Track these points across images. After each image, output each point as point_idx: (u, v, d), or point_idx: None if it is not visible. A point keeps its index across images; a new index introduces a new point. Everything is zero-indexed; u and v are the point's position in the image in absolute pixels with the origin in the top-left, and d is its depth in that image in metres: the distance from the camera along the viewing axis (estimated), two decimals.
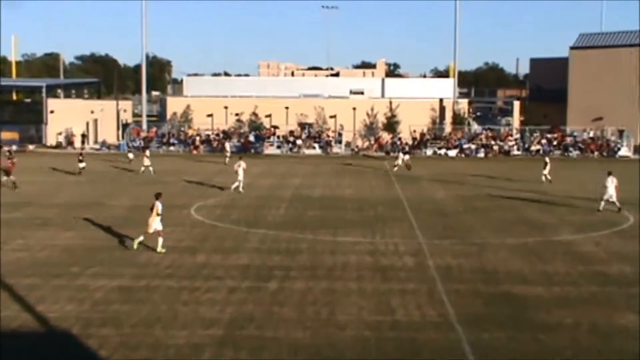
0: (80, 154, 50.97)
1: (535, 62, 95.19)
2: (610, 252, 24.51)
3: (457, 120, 77.42)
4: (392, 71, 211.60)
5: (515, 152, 70.64)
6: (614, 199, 33.34)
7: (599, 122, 74.78)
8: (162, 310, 17.37)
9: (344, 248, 24.51)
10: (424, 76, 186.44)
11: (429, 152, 70.66)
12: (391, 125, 75.30)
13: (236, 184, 39.30)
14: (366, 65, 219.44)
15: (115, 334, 15.66)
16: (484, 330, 15.99)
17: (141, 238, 24.06)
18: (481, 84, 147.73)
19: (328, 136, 72.84)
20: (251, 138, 71.15)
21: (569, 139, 72.62)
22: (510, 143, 72.01)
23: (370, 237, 26.67)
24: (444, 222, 30.41)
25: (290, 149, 70.55)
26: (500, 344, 15.17)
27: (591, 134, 73.59)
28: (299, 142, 71.11)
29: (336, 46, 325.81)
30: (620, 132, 73.20)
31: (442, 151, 70.38)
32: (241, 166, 39.44)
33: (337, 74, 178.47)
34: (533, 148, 70.82)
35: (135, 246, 23.95)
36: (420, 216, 31.80)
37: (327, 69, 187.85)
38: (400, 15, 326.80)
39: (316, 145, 71.34)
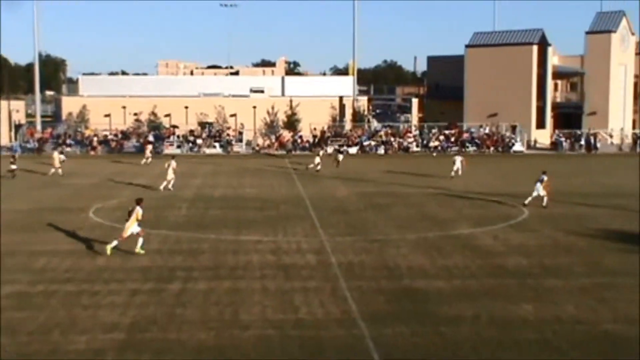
0: None
1: (432, 60, 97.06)
2: (507, 245, 25.26)
3: (357, 117, 78.28)
4: (292, 69, 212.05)
5: (415, 149, 71.93)
6: (541, 194, 33.97)
7: (494, 118, 76.96)
8: (61, 316, 16.91)
9: (247, 247, 24.43)
10: (324, 74, 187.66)
11: (330, 149, 71.10)
12: (292, 123, 75.49)
13: (164, 183, 39.88)
14: (266, 64, 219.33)
15: (10, 343, 15.14)
16: (387, 325, 16.21)
17: (115, 243, 23.27)
18: (380, 81, 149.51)
19: (228, 135, 72.46)
20: (150, 138, 70.00)
21: (466, 135, 74.49)
22: (410, 140, 73.32)
23: (272, 235, 26.66)
24: (346, 219, 30.69)
25: (191, 149, 69.82)
26: (403, 339, 15.41)
27: (487, 130, 75.69)
28: (199, 141, 70.44)
29: (236, 44, 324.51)
30: (514, 128, 75.55)
31: (343, 149, 70.95)
32: (171, 166, 40.13)
33: (237, 73, 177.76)
34: (432, 144, 72.30)
35: (108, 252, 22.99)
36: (323, 214, 32.00)
37: (226, 68, 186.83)
38: (299, 14, 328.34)
39: (217, 144, 70.82)
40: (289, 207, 34.24)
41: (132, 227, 23.30)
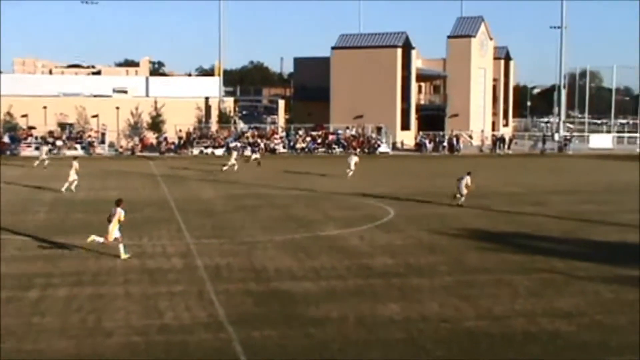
0: None
1: (299, 62, 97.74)
2: (374, 245, 25.73)
3: (224, 119, 77.83)
4: (157, 69, 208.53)
5: (282, 150, 72.28)
6: (462, 192, 35.40)
7: (360, 120, 78.40)
8: None
9: (110, 252, 23.76)
10: (190, 75, 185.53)
11: (196, 151, 70.47)
12: (156, 124, 74.13)
13: (66, 184, 39.32)
14: (129, 64, 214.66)
15: None
16: (255, 328, 16.15)
17: (122, 248, 22.88)
18: (247, 82, 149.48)
19: (90, 137, 70.42)
20: (6, 139, 67.08)
21: (332, 137, 75.46)
22: (276, 141, 73.60)
23: (137, 239, 26.08)
24: (213, 221, 30.44)
25: (50, 151, 67.37)
26: (271, 342, 15.39)
27: (353, 132, 76.99)
28: (59, 143, 68.08)
29: (98, 43, 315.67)
30: (379, 129, 77.22)
31: (209, 150, 70.46)
32: (73, 166, 39.86)
33: (99, 72, 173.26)
34: (298, 146, 72.85)
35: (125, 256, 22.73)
36: (188, 216, 31.62)
37: (88, 67, 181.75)
38: (164, 13, 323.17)
39: (78, 146, 68.67)
40: (154, 210, 33.62)
41: (114, 230, 22.79)
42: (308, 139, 74.13)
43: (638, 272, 21.62)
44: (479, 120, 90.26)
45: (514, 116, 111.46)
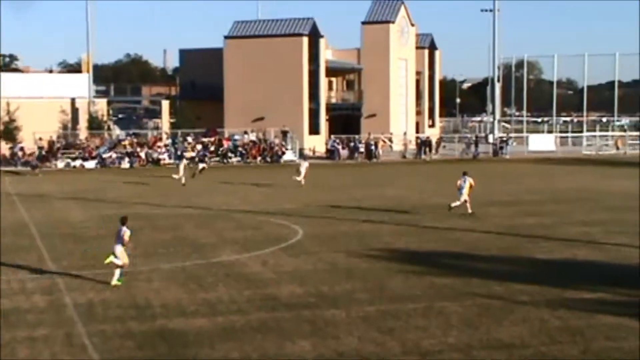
0: None
1: (186, 54, 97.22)
2: (280, 271, 25.71)
3: (95, 124, 76.62)
4: (8, 65, 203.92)
5: (167, 160, 71.59)
6: (465, 199, 37.81)
7: (261, 123, 78.43)
8: None
9: None
10: (51, 71, 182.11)
11: (61, 164, 69.15)
12: (9, 132, 72.37)
13: None
14: None
15: None
16: None
17: (118, 273, 23.67)
18: (123, 79, 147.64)
19: None
20: None
21: (227, 143, 75.22)
22: (160, 150, 72.92)
23: None
24: (84, 248, 29.90)
25: None
26: None
27: (253, 137, 76.92)
28: None
29: None
30: (284, 134, 77.39)
31: (78, 162, 69.28)
32: None
33: None
34: (187, 155, 72.27)
35: (115, 282, 23.52)
36: (53, 243, 30.98)
37: None
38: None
39: None
40: (9, 237, 32.80)
41: (123, 252, 23.74)
42: (199, 146, 73.70)
43: (589, 294, 22.25)
44: (400, 120, 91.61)
45: (441, 115, 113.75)
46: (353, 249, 29.47)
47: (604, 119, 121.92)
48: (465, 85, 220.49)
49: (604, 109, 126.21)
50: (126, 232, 23.71)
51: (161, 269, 26.19)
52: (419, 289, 23.25)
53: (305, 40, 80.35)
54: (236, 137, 76.95)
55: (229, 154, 73.58)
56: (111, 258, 23.73)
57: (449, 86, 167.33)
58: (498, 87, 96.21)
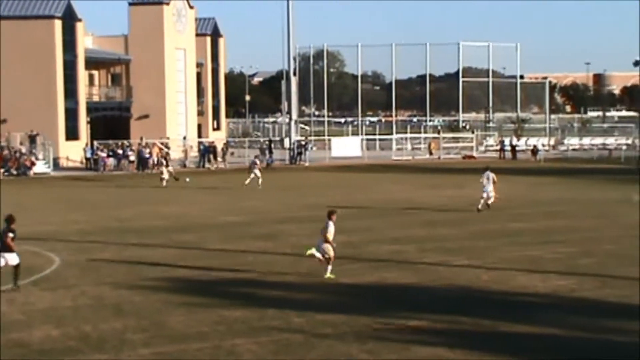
0: None
1: None
2: (30, 310, 24.99)
3: None
4: None
5: None
6: (490, 197, 43.79)
7: (3, 126, 76.19)
8: None
9: None
10: None
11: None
12: None
13: None
14: None
15: None
16: None
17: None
18: None
19: None
20: None
21: None
22: None
23: None
24: None
25: None
26: None
27: None
28: None
29: None
30: (32, 139, 75.27)
31: None
32: None
33: None
34: None
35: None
36: None
37: None
38: None
39: None
40: None
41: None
42: None
43: (404, 321, 22.86)
44: (179, 122, 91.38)
45: (227, 116, 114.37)
46: (123, 279, 29.10)
47: (415, 119, 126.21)
48: (256, 80, 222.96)
49: (415, 107, 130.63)
50: (331, 226, 28.85)
51: None
52: (206, 324, 23.20)
53: (58, 24, 78.77)
54: None
55: None
56: (313, 250, 28.76)
57: (236, 81, 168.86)
58: (294, 81, 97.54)
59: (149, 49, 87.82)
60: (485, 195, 43.62)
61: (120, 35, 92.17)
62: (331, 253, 28.61)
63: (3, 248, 27.19)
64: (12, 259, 27.38)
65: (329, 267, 28.75)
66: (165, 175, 62.71)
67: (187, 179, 64.15)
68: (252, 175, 59.18)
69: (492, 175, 43.47)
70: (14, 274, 27.43)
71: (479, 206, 43.45)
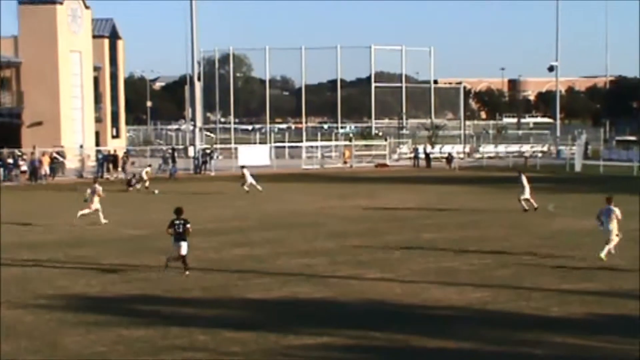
0: None
1: None
2: None
3: None
4: None
5: None
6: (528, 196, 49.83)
7: None
8: None
9: None
10: None
11: None
12: None
13: None
14: None
15: None
16: None
17: None
18: None
19: None
20: None
21: None
22: None
23: None
24: None
25: None
26: None
27: None
28: None
29: None
30: None
31: None
32: None
33: None
34: None
35: None
36: None
37: None
38: None
39: None
40: None
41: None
42: None
43: (312, 340, 22.94)
44: (75, 130, 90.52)
45: (127, 123, 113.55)
46: (15, 297, 28.70)
47: (326, 126, 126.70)
48: (158, 85, 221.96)
49: (326, 113, 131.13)
50: None
51: None
52: (104, 344, 23.00)
53: None
54: None
55: None
56: None
57: (137, 86, 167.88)
58: (198, 87, 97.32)
59: (41, 51, 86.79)
60: (524, 196, 49.91)
61: (10, 37, 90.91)
62: None
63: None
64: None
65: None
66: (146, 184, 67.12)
67: (156, 191, 64.63)
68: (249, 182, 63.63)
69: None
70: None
71: (526, 207, 50.12)
